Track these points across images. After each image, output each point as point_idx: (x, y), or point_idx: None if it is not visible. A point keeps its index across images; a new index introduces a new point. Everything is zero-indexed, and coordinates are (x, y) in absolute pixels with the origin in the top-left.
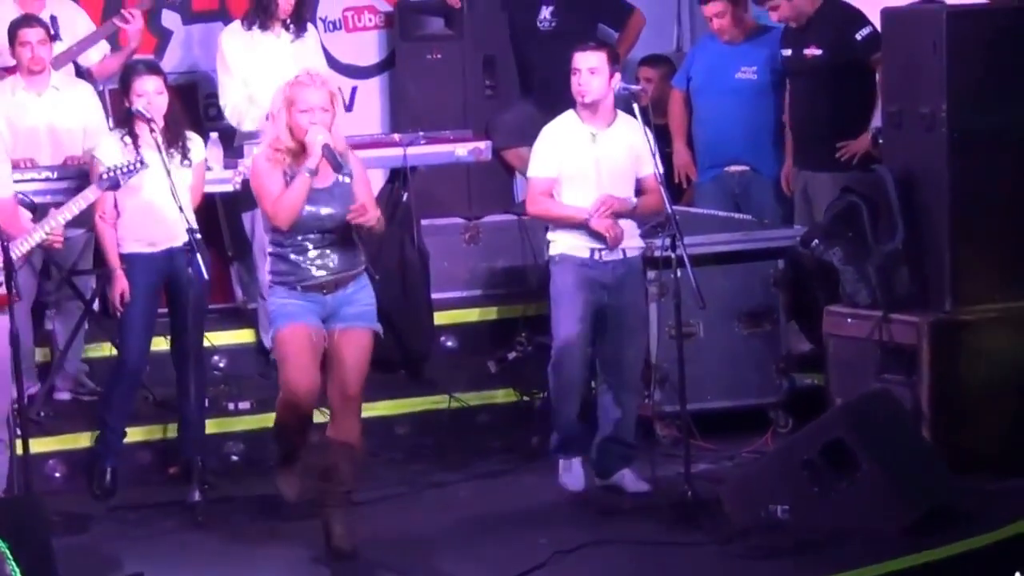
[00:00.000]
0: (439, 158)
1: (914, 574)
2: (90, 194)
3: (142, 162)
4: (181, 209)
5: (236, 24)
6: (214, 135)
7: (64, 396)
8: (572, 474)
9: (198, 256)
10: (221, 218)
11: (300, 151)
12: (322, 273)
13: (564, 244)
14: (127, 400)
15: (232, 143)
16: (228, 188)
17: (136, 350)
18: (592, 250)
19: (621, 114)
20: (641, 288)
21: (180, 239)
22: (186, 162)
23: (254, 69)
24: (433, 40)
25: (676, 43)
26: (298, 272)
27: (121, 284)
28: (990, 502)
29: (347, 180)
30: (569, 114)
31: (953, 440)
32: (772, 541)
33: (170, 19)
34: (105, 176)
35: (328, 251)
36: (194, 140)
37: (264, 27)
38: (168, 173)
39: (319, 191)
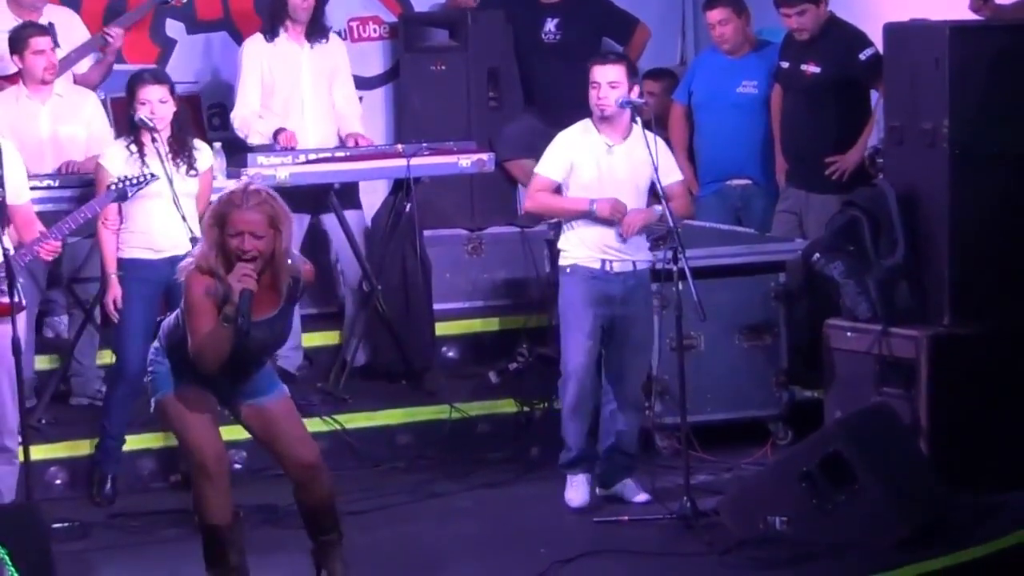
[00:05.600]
0: (442, 169)
1: None
2: (97, 205)
3: (152, 175)
4: (184, 219)
5: (258, 35)
6: (217, 144)
7: (83, 402)
8: (577, 491)
9: None
10: None
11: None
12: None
13: (575, 255)
14: (125, 406)
15: (235, 152)
16: None
17: (133, 356)
18: (603, 261)
19: (637, 128)
20: (650, 302)
21: (182, 248)
22: (192, 172)
23: (274, 78)
24: (437, 52)
25: (680, 56)
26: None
27: (115, 291)
28: (986, 515)
29: (297, 290)
30: (586, 123)
31: (950, 454)
32: (770, 552)
33: (174, 28)
34: (113, 187)
35: (233, 375)
36: (201, 149)
37: (282, 34)
38: (171, 183)
39: (259, 323)
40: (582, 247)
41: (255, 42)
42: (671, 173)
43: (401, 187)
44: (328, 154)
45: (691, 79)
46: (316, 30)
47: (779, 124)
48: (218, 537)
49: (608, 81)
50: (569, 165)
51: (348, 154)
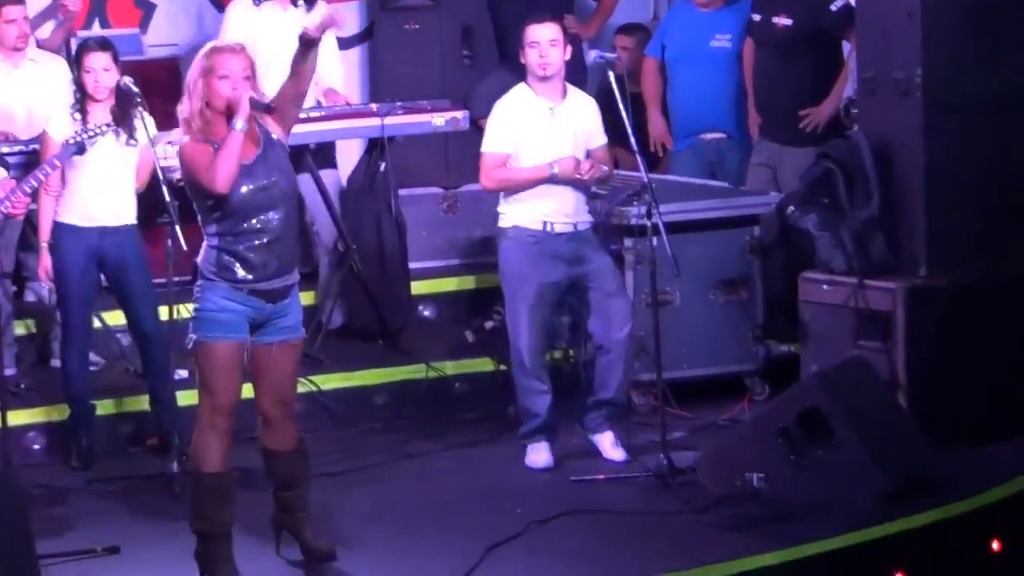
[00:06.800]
0: (417, 128)
1: (890, 542)
2: (57, 160)
3: (109, 124)
4: (165, 188)
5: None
6: None
7: (57, 364)
8: (540, 454)
9: (176, 228)
10: None
11: (224, 120)
12: (272, 280)
13: (516, 216)
14: (80, 371)
15: None
16: None
17: (76, 320)
18: (544, 222)
19: (571, 87)
20: (603, 250)
21: (120, 219)
22: (132, 141)
23: (259, 43)
24: (411, 11)
25: (653, 11)
26: (247, 269)
27: (44, 260)
28: (966, 469)
29: (274, 137)
30: (521, 88)
31: (929, 407)
32: (748, 509)
33: None
34: (72, 142)
35: (276, 243)
36: (146, 119)
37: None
38: (152, 143)
39: (253, 164)
40: (523, 209)
41: (239, 7)
42: (598, 137)
43: (375, 146)
44: (303, 114)
45: (664, 33)
46: None
47: (751, 77)
48: (216, 488)
49: (549, 39)
50: (515, 134)
51: (323, 114)
